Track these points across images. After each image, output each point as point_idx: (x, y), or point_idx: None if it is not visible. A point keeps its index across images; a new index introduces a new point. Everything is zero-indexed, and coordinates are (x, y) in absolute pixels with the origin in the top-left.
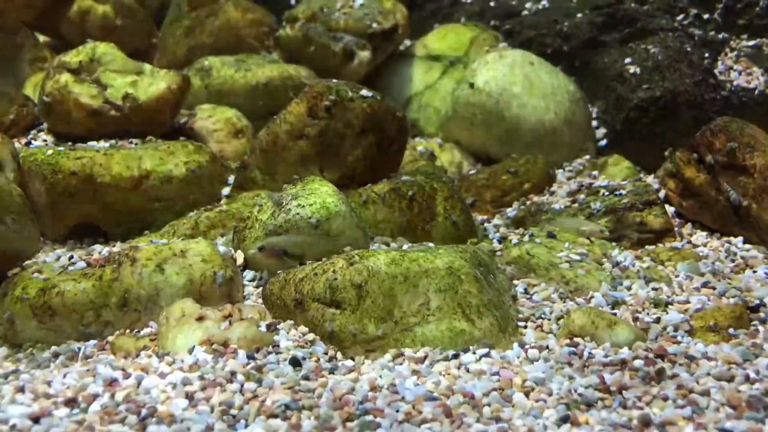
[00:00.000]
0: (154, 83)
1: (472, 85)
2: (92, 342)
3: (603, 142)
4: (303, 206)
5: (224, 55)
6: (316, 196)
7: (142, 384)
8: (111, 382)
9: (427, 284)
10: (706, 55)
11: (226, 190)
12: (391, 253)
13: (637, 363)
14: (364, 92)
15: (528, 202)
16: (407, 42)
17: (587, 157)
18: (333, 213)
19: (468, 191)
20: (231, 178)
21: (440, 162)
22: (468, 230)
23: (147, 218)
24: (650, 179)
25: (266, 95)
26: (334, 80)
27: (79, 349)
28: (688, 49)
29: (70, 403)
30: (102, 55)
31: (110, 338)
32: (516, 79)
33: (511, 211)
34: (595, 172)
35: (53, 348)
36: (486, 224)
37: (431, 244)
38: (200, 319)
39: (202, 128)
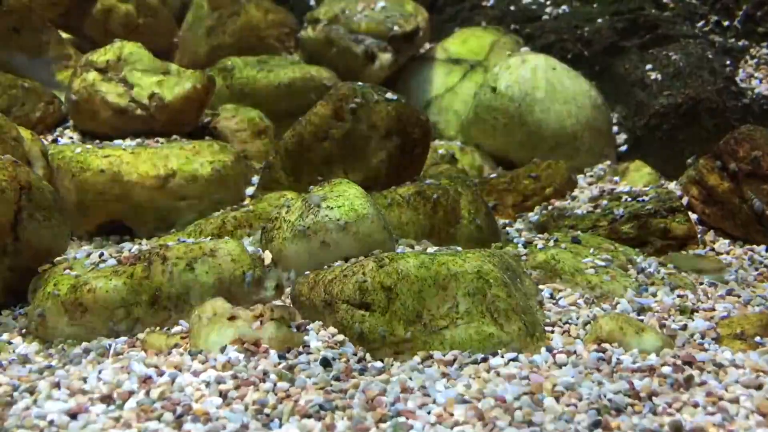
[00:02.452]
0: (180, 83)
1: (494, 89)
2: (122, 339)
3: (623, 148)
4: (332, 208)
5: (246, 55)
6: (345, 198)
7: (176, 382)
8: (145, 380)
9: (456, 288)
10: (727, 62)
11: (250, 190)
12: (420, 256)
13: (666, 370)
14: (389, 95)
15: (550, 207)
16: (427, 45)
17: (608, 162)
18: (361, 215)
19: (489, 195)
20: (255, 178)
21: (461, 165)
22: (492, 234)
23: (172, 217)
24: (672, 186)
25: (288, 96)
26: (359, 83)
27: (110, 345)
28: (710, 56)
29: (106, 399)
30: (129, 54)
31: (140, 335)
32: (538, 84)
33: (533, 216)
34: (616, 178)
35: (84, 344)
36: (508, 228)
37: (459, 248)
38: (232, 318)
39: (225, 128)
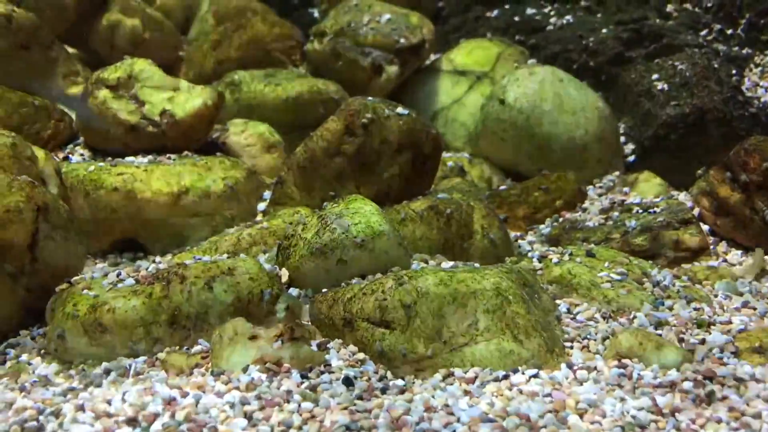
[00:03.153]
0: (190, 99)
1: (502, 102)
2: (142, 358)
3: (631, 159)
4: (349, 225)
5: (252, 68)
6: (361, 216)
7: (200, 403)
8: (170, 401)
9: (476, 305)
10: (733, 71)
11: (262, 206)
12: (439, 273)
13: (687, 385)
14: (400, 110)
15: (561, 219)
16: (432, 56)
17: (617, 173)
18: (378, 232)
19: (500, 207)
20: (266, 193)
21: (470, 177)
22: (505, 248)
23: (185, 233)
24: (682, 197)
25: (296, 110)
26: (370, 98)
27: (130, 365)
28: (716, 65)
29: (132, 422)
30: (140, 71)
31: (160, 355)
32: (546, 96)
33: (544, 228)
34: (626, 189)
35: (104, 364)
36: (520, 241)
37: (476, 264)
38: (253, 338)
39: (234, 143)
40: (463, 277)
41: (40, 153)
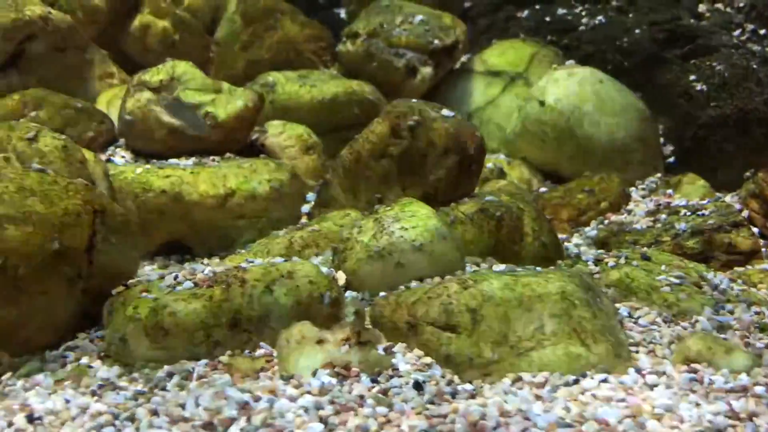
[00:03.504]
0: (231, 101)
1: (542, 103)
2: (203, 362)
3: (671, 160)
4: (406, 229)
5: (283, 69)
6: (418, 219)
7: (274, 407)
8: (244, 405)
9: (541, 309)
10: None
11: (305, 208)
12: (503, 277)
13: (759, 390)
14: (446, 112)
15: (606, 222)
16: (463, 57)
17: (659, 175)
18: (436, 236)
19: (543, 210)
20: (309, 195)
21: (509, 179)
22: (556, 251)
23: (231, 235)
24: (729, 198)
25: (331, 111)
26: (414, 100)
27: (193, 369)
28: (754, 66)
29: (208, 426)
30: (181, 73)
31: (222, 358)
32: (587, 97)
33: (589, 231)
34: (669, 191)
35: (167, 368)
36: (566, 244)
37: (538, 268)
38: (320, 342)
39: (273, 144)
40: (527, 281)
41: (89, 155)
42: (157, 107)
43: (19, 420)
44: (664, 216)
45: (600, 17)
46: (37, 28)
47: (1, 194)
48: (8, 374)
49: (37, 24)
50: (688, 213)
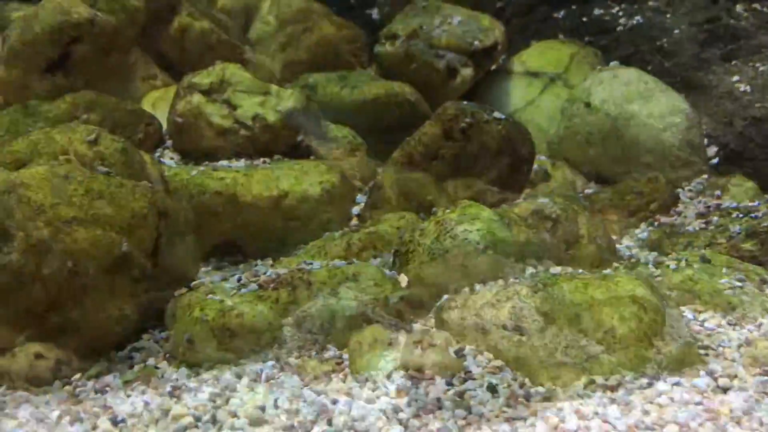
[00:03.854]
0: (280, 103)
1: (588, 104)
2: (269, 363)
3: (714, 161)
4: (470, 231)
5: (321, 70)
6: (481, 221)
7: (353, 410)
8: (322, 408)
9: (612, 312)
10: None
11: (356, 209)
12: (572, 280)
13: None
14: (497, 114)
15: (656, 224)
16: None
17: (705, 176)
18: (499, 238)
19: (591, 212)
20: (359, 197)
21: (555, 180)
22: (611, 253)
23: (282, 237)
24: None
25: (373, 112)
26: (465, 102)
27: (261, 370)
28: None
29: (289, 429)
30: (231, 76)
31: (291, 360)
32: (632, 98)
33: (640, 233)
34: (717, 192)
35: (233, 368)
36: (617, 245)
37: (608, 270)
38: (392, 344)
39: (319, 146)
40: (598, 284)
41: (146, 157)
42: (208, 109)
43: (103, 423)
44: (716, 218)
45: (638, 17)
46: (83, 31)
47: (71, 197)
48: (77, 375)
49: (84, 26)
50: (741, 215)
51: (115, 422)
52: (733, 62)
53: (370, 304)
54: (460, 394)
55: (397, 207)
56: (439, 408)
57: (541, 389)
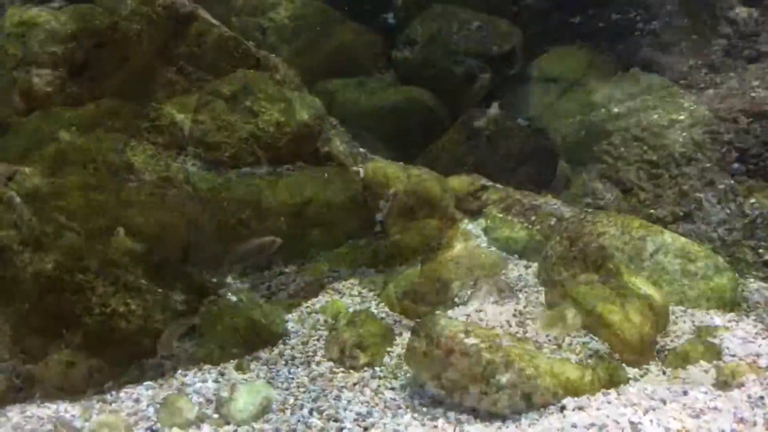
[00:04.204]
0: (301, 110)
1: (608, 110)
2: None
3: (735, 166)
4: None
5: (339, 76)
6: (511, 227)
7: None
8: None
9: None
10: None
11: (379, 216)
12: None
13: None
14: (521, 120)
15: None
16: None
17: (726, 181)
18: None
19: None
20: (381, 204)
21: (574, 186)
22: None
23: (306, 243)
24: None
25: (392, 118)
26: (488, 109)
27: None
28: None
29: None
30: (252, 83)
31: None
32: (654, 104)
33: None
34: (740, 198)
35: None
36: None
37: None
38: None
39: (339, 153)
40: None
41: (173, 165)
42: (231, 116)
43: None
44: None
45: (654, 23)
46: (105, 37)
47: (104, 205)
48: (109, 383)
49: (106, 33)
50: None
51: None
52: (753, 66)
53: None
54: None
55: (420, 215)
56: None
57: None
